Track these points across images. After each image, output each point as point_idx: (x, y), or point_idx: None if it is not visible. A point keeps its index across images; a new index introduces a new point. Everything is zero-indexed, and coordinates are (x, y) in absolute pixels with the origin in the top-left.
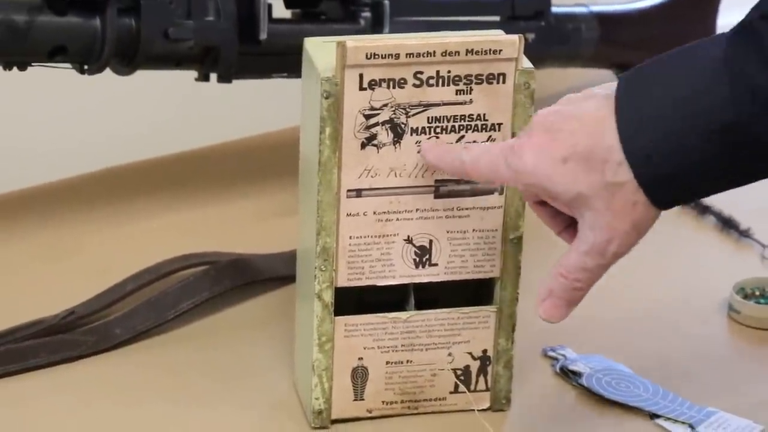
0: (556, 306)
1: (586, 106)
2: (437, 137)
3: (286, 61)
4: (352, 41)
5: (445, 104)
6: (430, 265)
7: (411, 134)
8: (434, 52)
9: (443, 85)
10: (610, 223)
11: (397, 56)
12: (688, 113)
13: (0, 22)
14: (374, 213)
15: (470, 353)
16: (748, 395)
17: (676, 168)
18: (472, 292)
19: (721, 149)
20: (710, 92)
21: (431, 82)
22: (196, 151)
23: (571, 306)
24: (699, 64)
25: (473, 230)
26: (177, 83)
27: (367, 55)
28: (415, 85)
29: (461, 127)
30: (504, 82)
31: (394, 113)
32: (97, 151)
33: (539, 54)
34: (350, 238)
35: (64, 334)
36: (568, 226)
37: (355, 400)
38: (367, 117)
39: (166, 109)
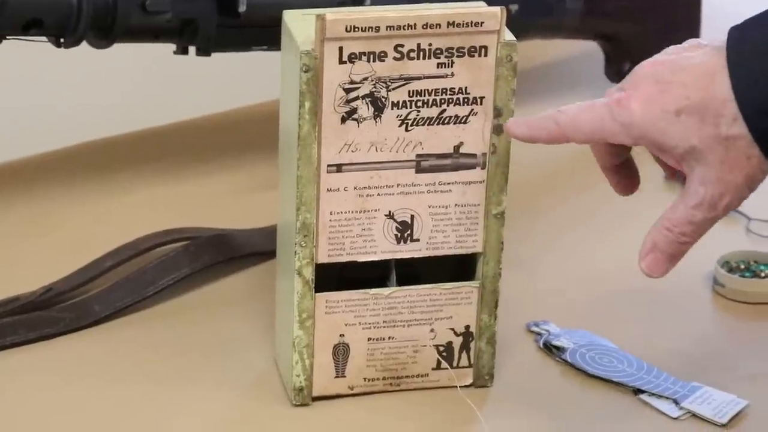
0: (659, 261)
1: (694, 56)
2: (418, 111)
3: (266, 33)
4: (331, 14)
5: (426, 78)
6: (412, 240)
7: (392, 108)
8: (415, 24)
9: (424, 58)
10: (723, 177)
11: (378, 29)
12: None
13: None
14: (355, 188)
15: (453, 329)
16: (732, 370)
17: None
18: (454, 268)
19: None
20: None
21: (412, 55)
22: (175, 125)
23: (674, 261)
24: None
25: (455, 205)
26: (155, 56)
27: (346, 28)
28: (395, 59)
29: (442, 101)
30: (486, 55)
31: (375, 87)
32: (75, 126)
33: (522, 25)
34: (331, 213)
35: (41, 310)
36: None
37: (336, 377)
38: (347, 91)
39: (145, 82)
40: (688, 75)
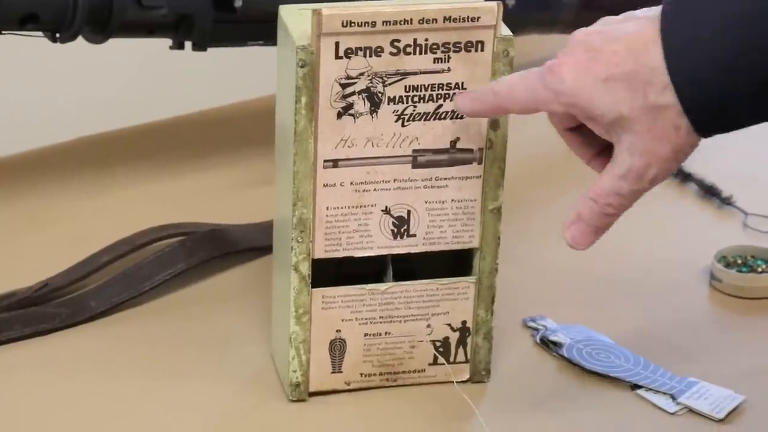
0: (584, 232)
1: (628, 26)
2: (414, 107)
3: (262, 28)
4: (327, 9)
5: (422, 73)
6: (408, 235)
7: (388, 103)
8: (411, 19)
9: (420, 53)
10: (650, 147)
11: (374, 24)
12: (738, 35)
13: None
14: (351, 183)
15: (449, 325)
16: (729, 365)
17: (724, 92)
18: (451, 263)
19: None
20: (762, 13)
21: (408, 50)
22: (171, 120)
23: (599, 233)
24: None
25: (452, 200)
26: (151, 52)
27: (343, 23)
28: (392, 54)
29: (439, 96)
30: (482, 50)
31: (371, 82)
32: (71, 121)
33: (519, 20)
34: (327, 208)
35: (37, 306)
36: (599, 153)
37: (333, 372)
38: (344, 86)
39: (141, 77)
40: (619, 44)
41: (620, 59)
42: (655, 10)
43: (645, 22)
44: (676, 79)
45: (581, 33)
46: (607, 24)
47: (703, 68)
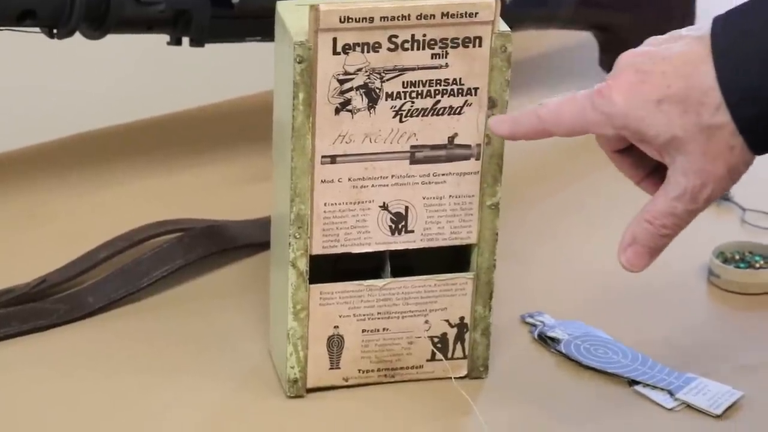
0: (639, 254)
1: (676, 46)
2: (412, 102)
3: (259, 24)
4: (325, 5)
5: (420, 68)
6: (407, 231)
7: (386, 99)
8: (409, 15)
9: (418, 49)
10: (705, 167)
11: (372, 20)
12: None
13: None
14: (349, 179)
15: (447, 321)
16: (727, 361)
17: None
18: (449, 259)
19: None
20: None
21: (406, 46)
22: (168, 116)
23: (654, 255)
24: None
25: (449, 196)
26: (149, 47)
27: (340, 19)
28: (389, 49)
29: (437, 92)
30: (480, 45)
31: (369, 78)
32: (69, 117)
33: (517, 16)
34: (325, 204)
35: (35, 302)
36: (649, 174)
37: (331, 368)
38: (341, 82)
39: (138, 73)
40: (668, 64)
41: (671, 80)
42: (703, 29)
43: (693, 41)
44: (730, 98)
45: (629, 54)
46: (654, 44)
47: (757, 86)
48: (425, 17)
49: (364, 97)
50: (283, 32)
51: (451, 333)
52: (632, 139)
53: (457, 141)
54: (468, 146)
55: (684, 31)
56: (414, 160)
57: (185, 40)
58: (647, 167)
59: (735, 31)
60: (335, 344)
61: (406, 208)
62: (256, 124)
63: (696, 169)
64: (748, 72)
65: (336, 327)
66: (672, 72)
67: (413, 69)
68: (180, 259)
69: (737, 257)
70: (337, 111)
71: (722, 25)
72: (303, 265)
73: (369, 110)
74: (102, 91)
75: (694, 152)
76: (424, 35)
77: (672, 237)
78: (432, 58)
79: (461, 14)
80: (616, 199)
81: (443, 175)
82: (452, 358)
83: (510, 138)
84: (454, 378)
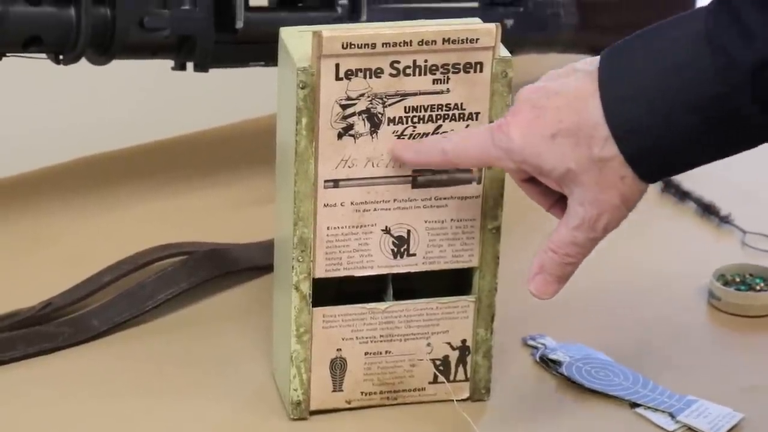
0: (547, 282)
1: (569, 81)
2: (414, 127)
3: (263, 49)
4: (327, 31)
5: (422, 94)
6: (408, 255)
7: (388, 124)
8: (411, 41)
9: (420, 74)
10: (599, 197)
11: (374, 46)
12: (670, 87)
13: None
14: (351, 203)
15: (449, 343)
16: (728, 383)
17: (661, 142)
18: (450, 282)
19: (704, 122)
20: (691, 66)
21: (408, 71)
22: (172, 140)
23: (561, 282)
24: (680, 38)
25: (451, 220)
26: (153, 72)
27: (343, 45)
28: (391, 75)
29: (438, 117)
30: (481, 71)
31: (371, 103)
32: (74, 141)
33: (518, 40)
34: (328, 228)
35: (40, 325)
36: (557, 201)
37: (333, 391)
38: (344, 107)
39: (143, 98)
40: (561, 99)
41: (563, 115)
42: (594, 63)
43: (584, 76)
44: (616, 132)
45: (527, 90)
46: (550, 79)
47: (639, 119)
48: (426, 43)
49: (366, 121)
50: (286, 58)
51: (453, 355)
52: (532, 172)
53: None
54: (469, 171)
55: (579, 64)
56: (416, 184)
57: (189, 65)
58: (555, 195)
59: (618, 67)
60: (338, 367)
61: (408, 231)
62: (259, 148)
63: (591, 199)
64: (630, 108)
65: (339, 350)
66: (564, 107)
67: (415, 94)
68: (184, 282)
69: (738, 280)
70: (340, 136)
71: (608, 60)
72: (306, 288)
73: (371, 135)
74: (106, 116)
75: (588, 183)
76: (426, 61)
77: (577, 264)
78: (433, 83)
79: (462, 40)
80: None
81: (445, 198)
82: (454, 381)
83: (414, 166)
84: (456, 400)
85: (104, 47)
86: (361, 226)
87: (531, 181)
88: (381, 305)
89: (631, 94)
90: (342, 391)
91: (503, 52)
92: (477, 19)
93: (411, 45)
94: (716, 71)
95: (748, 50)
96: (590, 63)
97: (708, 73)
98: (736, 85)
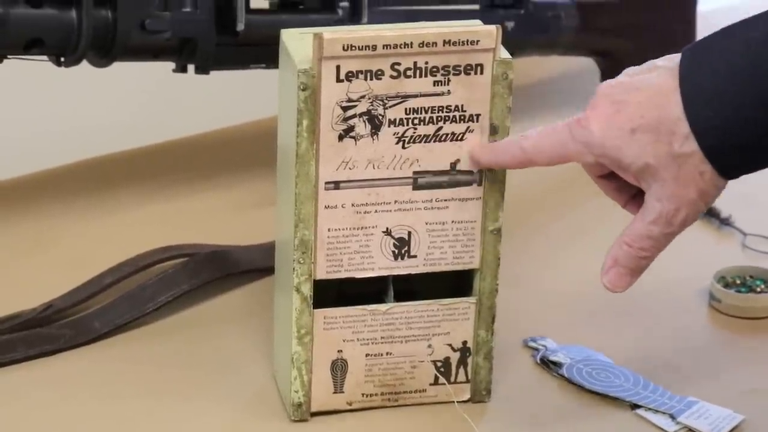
0: (621, 275)
1: (650, 77)
2: (415, 129)
3: (264, 51)
4: (328, 33)
5: (422, 95)
6: (409, 256)
7: (389, 126)
8: (411, 43)
9: (421, 76)
10: (678, 192)
11: (374, 48)
12: (747, 85)
13: None
14: (352, 205)
15: (450, 345)
16: (728, 385)
17: (741, 138)
18: (451, 284)
19: None
20: (766, 65)
21: (409, 73)
22: (174, 142)
23: (635, 275)
24: (755, 37)
25: (452, 221)
26: (154, 74)
27: (344, 47)
28: (392, 77)
29: (439, 119)
30: (482, 72)
31: (372, 105)
32: (75, 143)
33: (519, 42)
34: (328, 230)
35: (41, 327)
36: (633, 197)
37: (334, 392)
38: (345, 109)
39: (144, 100)
40: (642, 95)
41: (644, 110)
42: (674, 60)
43: (665, 72)
44: (696, 128)
45: (606, 85)
46: (630, 75)
47: (720, 115)
48: (427, 45)
49: (367, 123)
50: (287, 60)
51: (454, 357)
52: (611, 166)
53: (459, 167)
54: (470, 172)
55: (659, 61)
56: (417, 186)
57: (190, 67)
58: (631, 191)
59: (700, 66)
60: (339, 368)
61: (409, 233)
62: (260, 151)
63: (669, 194)
64: (710, 104)
65: (340, 351)
66: (645, 102)
67: (415, 96)
68: (185, 284)
69: (738, 282)
70: (341, 137)
71: (689, 58)
72: (307, 289)
73: (372, 137)
74: (107, 118)
75: (667, 179)
76: (426, 62)
77: (651, 258)
78: (434, 85)
79: (463, 42)
80: (617, 225)
81: (446, 200)
82: (455, 382)
83: (492, 167)
84: (457, 402)
85: (105, 49)
86: (362, 228)
87: (607, 177)
88: (382, 307)
89: (711, 91)
90: (343, 392)
91: (504, 53)
92: (477, 21)
93: (412, 47)
94: None
95: None
96: (671, 60)
97: None
98: None
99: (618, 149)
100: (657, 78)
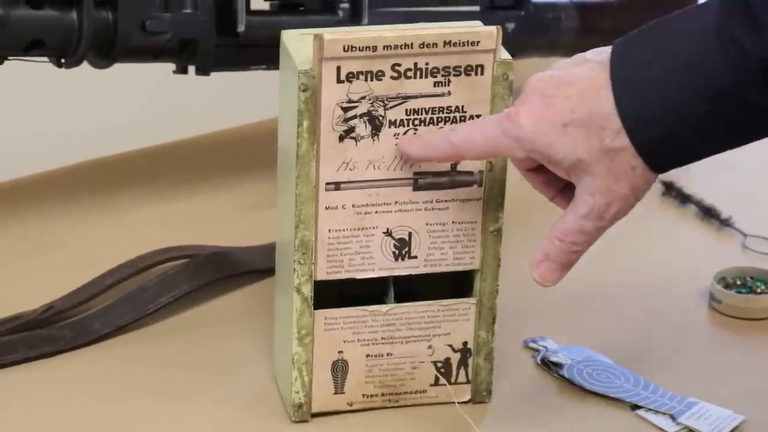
0: (552, 269)
1: (580, 71)
2: (415, 130)
3: (264, 53)
4: (329, 34)
5: (423, 96)
6: (410, 257)
7: (389, 126)
8: (412, 44)
9: (421, 77)
10: (610, 187)
11: (375, 48)
12: (681, 79)
13: None
14: (353, 206)
15: (450, 345)
16: (729, 385)
17: (672, 133)
18: (452, 285)
19: (715, 114)
20: (703, 59)
21: (409, 74)
22: (174, 144)
23: (565, 269)
24: (691, 30)
25: (452, 222)
26: (155, 76)
27: (344, 48)
28: (392, 78)
29: (439, 119)
30: (482, 73)
31: (372, 106)
32: (76, 144)
33: (519, 43)
34: (329, 231)
35: (42, 329)
36: (561, 190)
37: (335, 393)
38: (345, 110)
39: (144, 101)
40: (573, 89)
41: (575, 105)
42: (605, 53)
43: (596, 66)
44: (628, 123)
45: (536, 79)
46: (560, 68)
47: (651, 111)
48: (427, 46)
49: (367, 124)
50: (287, 61)
51: (455, 358)
52: (542, 161)
53: (459, 167)
54: (471, 173)
55: (589, 54)
56: (417, 187)
57: (191, 68)
58: (559, 184)
59: (631, 59)
60: (339, 369)
61: (410, 234)
62: (260, 152)
63: (601, 188)
64: (642, 99)
65: (340, 352)
66: (576, 97)
67: (416, 97)
68: (185, 285)
69: (738, 282)
70: (341, 138)
71: (620, 52)
72: (307, 290)
73: (372, 137)
74: (108, 119)
75: (599, 173)
76: (427, 63)
77: (581, 252)
78: (434, 86)
79: (463, 43)
80: (618, 225)
81: (446, 201)
82: (455, 383)
83: (421, 160)
84: (458, 402)
85: (106, 51)
86: (363, 229)
87: (535, 171)
88: (382, 307)
89: (643, 86)
90: (343, 393)
91: (504, 54)
92: (478, 22)
93: (412, 48)
94: (727, 63)
95: (759, 42)
96: (600, 53)
97: (719, 65)
98: (747, 77)
99: (549, 145)
100: (588, 72)
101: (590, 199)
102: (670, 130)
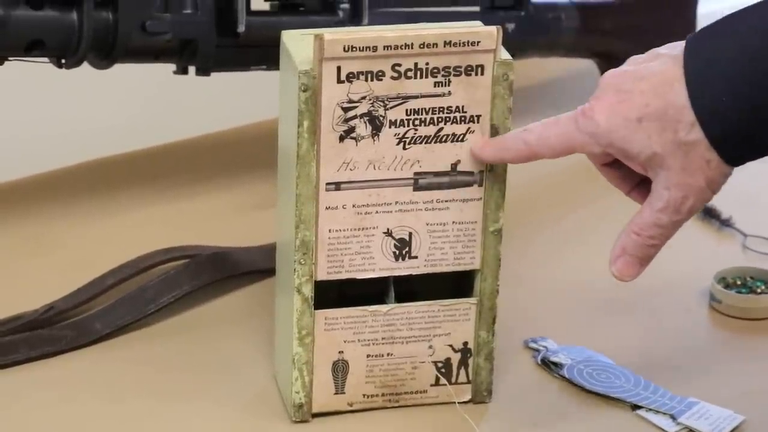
0: (629, 264)
1: (653, 66)
2: (415, 130)
3: (264, 53)
4: (329, 34)
5: (423, 96)
6: (410, 257)
7: (389, 127)
8: (412, 44)
9: (421, 77)
10: (685, 180)
11: (375, 49)
12: (754, 70)
13: None
14: (353, 206)
15: (451, 346)
16: (729, 385)
17: (745, 125)
18: (452, 285)
19: None
20: None
21: (409, 74)
22: (175, 144)
23: (644, 264)
24: (760, 23)
25: (453, 222)
26: (155, 76)
27: (344, 48)
28: (393, 78)
29: (439, 120)
30: (482, 73)
31: (373, 106)
32: (76, 145)
33: (519, 44)
34: (329, 231)
35: (43, 329)
36: (638, 185)
37: (335, 393)
38: (345, 110)
39: (145, 102)
40: (647, 84)
41: (650, 99)
42: (678, 48)
43: (669, 60)
44: (701, 116)
45: (610, 75)
46: (634, 64)
47: (725, 103)
48: (428, 46)
49: (368, 124)
50: (288, 61)
51: (455, 358)
52: (617, 155)
53: (460, 168)
54: (471, 173)
55: (662, 49)
56: (417, 187)
57: (191, 69)
58: (635, 179)
59: (704, 53)
60: (340, 369)
61: (410, 234)
62: (261, 152)
63: (677, 182)
64: (715, 92)
65: (341, 352)
66: (650, 91)
67: (416, 97)
68: (186, 286)
69: (738, 282)
70: (342, 138)
71: (693, 46)
72: (308, 290)
73: (373, 138)
74: (108, 120)
75: (674, 167)
76: (427, 64)
77: (659, 246)
78: (435, 86)
79: (463, 43)
80: (618, 225)
81: (446, 201)
82: (456, 383)
83: (496, 162)
84: (458, 403)
85: (106, 51)
86: (363, 229)
87: (611, 165)
88: (383, 308)
89: (716, 79)
90: (344, 393)
91: (504, 54)
92: (478, 23)
93: (412, 48)
94: None
95: None
96: (674, 47)
97: None
98: None
99: (625, 139)
100: (661, 66)
101: (666, 193)
102: (742, 123)
